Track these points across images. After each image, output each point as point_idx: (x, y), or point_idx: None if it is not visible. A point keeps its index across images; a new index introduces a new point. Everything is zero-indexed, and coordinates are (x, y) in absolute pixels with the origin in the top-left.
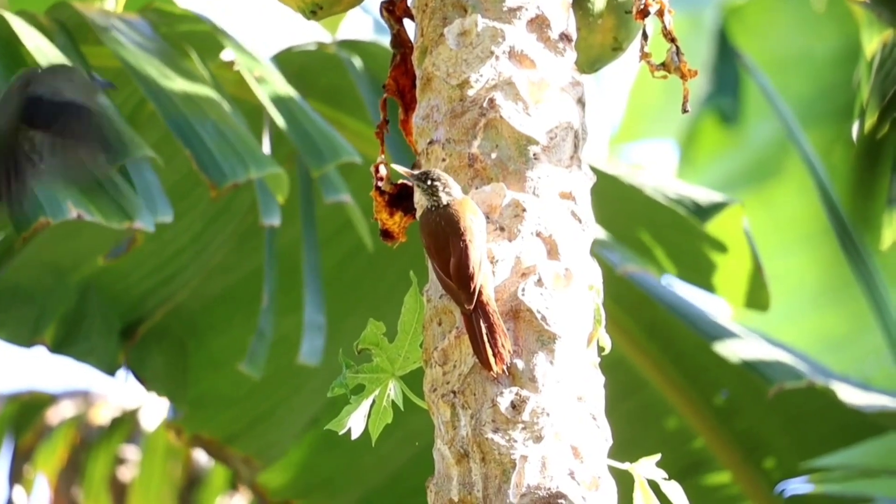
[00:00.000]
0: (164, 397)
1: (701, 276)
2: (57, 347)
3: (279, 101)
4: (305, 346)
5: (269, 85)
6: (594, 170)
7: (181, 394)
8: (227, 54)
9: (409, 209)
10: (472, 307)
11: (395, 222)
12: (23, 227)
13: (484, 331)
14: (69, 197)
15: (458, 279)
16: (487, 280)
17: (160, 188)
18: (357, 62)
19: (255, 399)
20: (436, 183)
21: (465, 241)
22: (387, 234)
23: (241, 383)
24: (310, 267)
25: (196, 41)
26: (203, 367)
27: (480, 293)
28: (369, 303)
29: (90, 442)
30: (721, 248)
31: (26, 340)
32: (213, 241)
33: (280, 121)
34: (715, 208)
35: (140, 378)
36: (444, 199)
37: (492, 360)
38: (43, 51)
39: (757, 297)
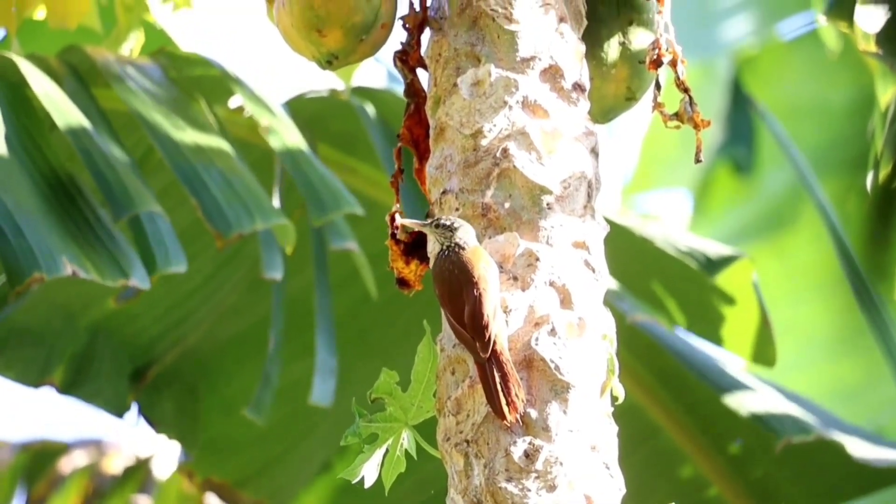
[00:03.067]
0: (176, 440)
1: (710, 328)
2: (66, 388)
3: (285, 150)
4: (317, 388)
5: (276, 133)
6: (606, 220)
7: (192, 437)
8: (236, 100)
9: (424, 257)
10: (486, 356)
11: (412, 270)
12: (17, 280)
13: (497, 380)
14: (65, 252)
15: (473, 328)
16: (501, 329)
17: (174, 237)
18: (370, 109)
19: (267, 443)
20: (450, 227)
21: (479, 289)
22: (403, 283)
23: (252, 427)
24: (322, 310)
25: (206, 86)
26: (215, 411)
27: (494, 342)
28: (379, 350)
29: (103, 491)
30: (730, 301)
31: (35, 381)
32: (223, 286)
33: (286, 169)
34: (725, 262)
35: (151, 421)
36: (458, 243)
37: (505, 409)
38: (50, 95)
39: (763, 351)
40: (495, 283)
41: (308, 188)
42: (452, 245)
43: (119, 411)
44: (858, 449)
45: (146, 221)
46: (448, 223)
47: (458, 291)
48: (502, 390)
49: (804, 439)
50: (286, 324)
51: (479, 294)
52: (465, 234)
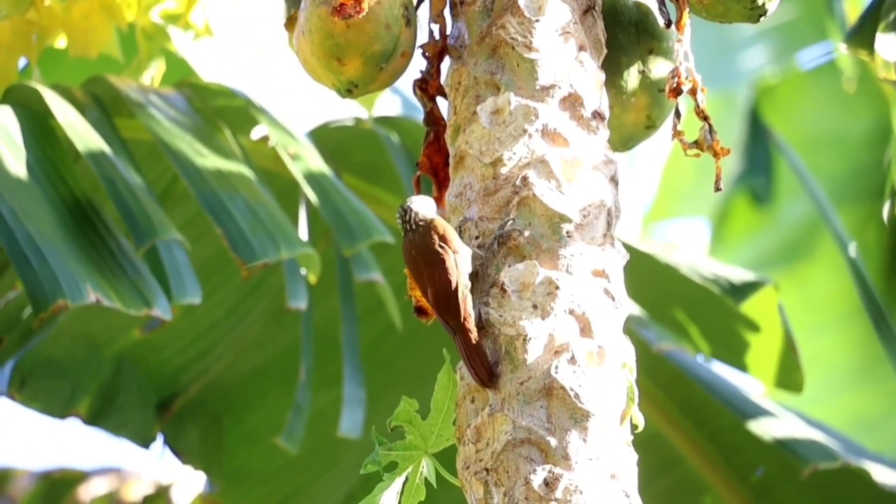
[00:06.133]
0: (200, 471)
1: (735, 355)
2: (92, 420)
3: (312, 179)
4: (346, 420)
5: (303, 162)
6: (630, 248)
7: (217, 468)
8: (260, 130)
9: None
10: (455, 330)
11: None
12: (41, 308)
13: (465, 351)
14: (89, 280)
15: (438, 307)
16: (467, 300)
17: (190, 268)
18: (394, 138)
19: (291, 474)
20: (401, 211)
21: (438, 270)
22: (421, 311)
23: (276, 458)
24: (348, 341)
25: (231, 116)
26: (239, 442)
27: (466, 318)
28: (403, 380)
29: None
30: (755, 328)
31: (60, 412)
32: (247, 316)
33: (313, 198)
34: (749, 288)
35: (176, 452)
36: (413, 221)
37: (484, 375)
38: (74, 125)
39: (790, 378)
40: (459, 255)
41: (336, 217)
42: (407, 225)
43: (145, 442)
44: (884, 476)
45: (163, 251)
46: (402, 207)
47: (419, 273)
48: (472, 360)
49: (831, 466)
50: (311, 354)
51: (439, 274)
52: (421, 208)
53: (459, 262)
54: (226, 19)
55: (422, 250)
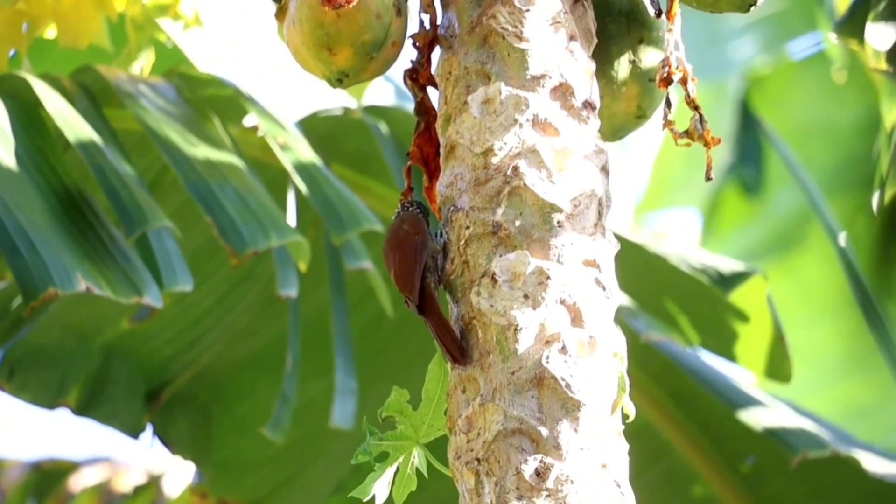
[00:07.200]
0: (190, 461)
1: (724, 345)
2: (81, 410)
3: (302, 168)
4: (338, 410)
5: (293, 151)
6: (619, 238)
7: (206, 458)
8: (250, 119)
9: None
10: (420, 311)
11: None
12: (32, 296)
13: (433, 329)
14: (79, 269)
15: (400, 287)
16: (428, 280)
17: (180, 256)
18: (383, 128)
19: (281, 463)
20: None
21: (399, 251)
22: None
23: (266, 447)
24: (339, 331)
25: (220, 106)
26: (228, 432)
27: (429, 298)
28: (393, 370)
29: None
30: (744, 318)
31: (49, 403)
32: (237, 306)
33: (303, 187)
34: (738, 278)
35: (166, 442)
36: (398, 212)
37: (456, 352)
38: (64, 114)
39: (779, 368)
40: (417, 241)
41: (325, 206)
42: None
43: (134, 432)
44: (874, 464)
45: (154, 240)
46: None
47: (387, 258)
48: (442, 337)
49: (820, 454)
50: (299, 343)
51: (399, 257)
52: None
53: (421, 243)
54: (216, 9)
55: (390, 237)
